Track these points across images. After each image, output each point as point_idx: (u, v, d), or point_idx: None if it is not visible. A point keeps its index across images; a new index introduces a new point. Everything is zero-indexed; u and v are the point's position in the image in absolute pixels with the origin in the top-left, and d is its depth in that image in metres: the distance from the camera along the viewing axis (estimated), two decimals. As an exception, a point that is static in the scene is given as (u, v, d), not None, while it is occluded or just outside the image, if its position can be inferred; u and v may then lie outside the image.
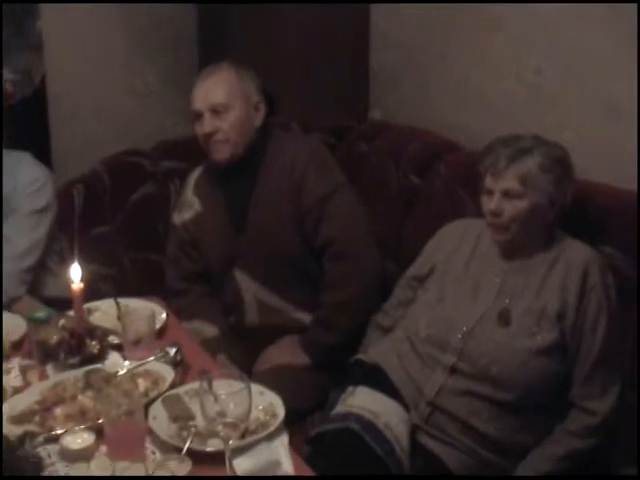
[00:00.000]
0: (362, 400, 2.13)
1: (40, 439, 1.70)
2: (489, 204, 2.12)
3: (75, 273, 2.07)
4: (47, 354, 2.06)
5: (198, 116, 2.49)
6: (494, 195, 2.11)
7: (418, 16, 3.15)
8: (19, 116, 4.28)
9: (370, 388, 2.17)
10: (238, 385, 1.55)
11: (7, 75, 6.12)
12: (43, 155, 3.77)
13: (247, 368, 2.42)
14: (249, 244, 2.55)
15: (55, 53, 3.73)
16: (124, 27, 3.76)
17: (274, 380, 2.04)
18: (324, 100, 3.29)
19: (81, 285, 2.06)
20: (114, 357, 2.08)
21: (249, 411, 1.54)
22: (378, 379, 2.21)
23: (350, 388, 2.19)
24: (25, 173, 2.60)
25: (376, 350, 2.33)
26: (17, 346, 2.15)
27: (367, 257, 2.50)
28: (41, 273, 2.65)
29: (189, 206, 2.69)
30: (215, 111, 2.46)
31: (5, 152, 2.62)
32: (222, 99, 2.47)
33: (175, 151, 3.25)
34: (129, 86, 3.84)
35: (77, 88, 3.75)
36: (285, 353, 2.48)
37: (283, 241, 2.52)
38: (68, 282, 2.07)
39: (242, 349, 2.56)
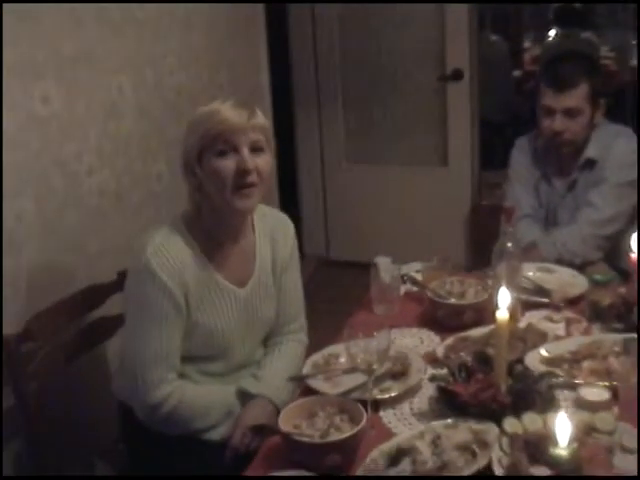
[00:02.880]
0: None
1: (558, 380, 1.85)
2: None
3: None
4: (596, 314, 2.18)
5: None
6: None
7: None
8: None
9: None
10: None
11: (607, 53, 6.36)
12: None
13: None
14: None
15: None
16: None
17: None
18: None
19: (643, 257, 2.11)
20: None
21: None
22: None
23: None
24: (621, 146, 2.73)
25: None
26: (574, 301, 2.31)
27: None
28: (620, 244, 2.74)
29: None
30: None
31: (606, 124, 2.77)
32: None
33: None
34: None
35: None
36: None
37: None
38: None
39: None
